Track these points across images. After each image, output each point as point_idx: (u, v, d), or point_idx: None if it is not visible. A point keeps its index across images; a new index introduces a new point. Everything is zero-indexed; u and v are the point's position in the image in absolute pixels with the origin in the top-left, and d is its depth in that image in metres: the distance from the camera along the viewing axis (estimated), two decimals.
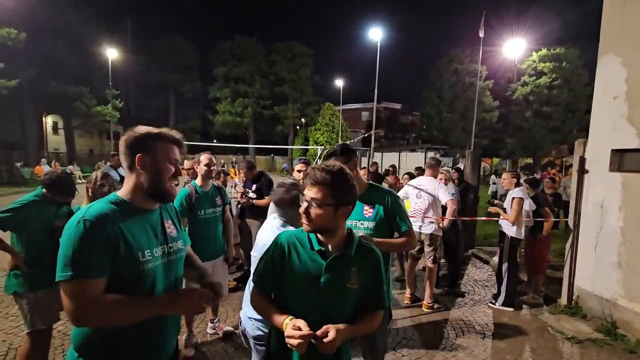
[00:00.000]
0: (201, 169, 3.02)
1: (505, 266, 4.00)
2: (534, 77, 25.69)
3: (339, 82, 33.34)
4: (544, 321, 3.73)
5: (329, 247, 1.27)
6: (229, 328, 3.29)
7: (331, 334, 1.11)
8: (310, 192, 1.22)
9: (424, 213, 3.96)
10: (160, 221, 1.30)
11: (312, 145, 28.73)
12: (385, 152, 16.09)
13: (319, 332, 1.12)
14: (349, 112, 39.25)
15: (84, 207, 1.14)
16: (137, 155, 1.18)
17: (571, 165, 16.41)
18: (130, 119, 31.25)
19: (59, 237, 2.35)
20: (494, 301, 4.09)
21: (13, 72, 15.57)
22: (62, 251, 1.06)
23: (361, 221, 2.03)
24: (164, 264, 1.24)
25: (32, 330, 2.18)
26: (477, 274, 5.29)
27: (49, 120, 27.25)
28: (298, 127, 35.45)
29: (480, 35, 17.13)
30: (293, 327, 1.12)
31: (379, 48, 15.42)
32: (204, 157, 3.05)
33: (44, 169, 16.44)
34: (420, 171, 7.05)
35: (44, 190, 2.31)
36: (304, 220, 1.24)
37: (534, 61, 25.79)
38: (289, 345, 1.12)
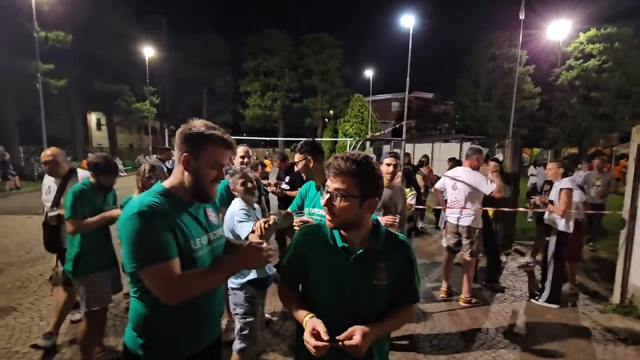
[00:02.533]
0: (237, 161, 3.10)
1: (551, 261, 3.79)
2: (581, 60, 23.78)
3: (369, 73, 32.74)
4: (593, 320, 3.51)
5: (354, 242, 1.19)
6: (267, 315, 3.37)
7: (356, 338, 1.04)
8: (334, 183, 1.13)
9: (463, 205, 3.82)
10: (203, 210, 1.34)
11: (341, 137, 28.55)
12: (418, 143, 15.64)
13: (342, 336, 1.05)
14: (379, 103, 38.54)
15: (134, 200, 1.19)
16: (183, 155, 1.20)
17: (621, 156, 15.10)
18: (166, 115, 32.62)
19: (109, 224, 2.53)
20: (537, 297, 3.90)
21: (62, 72, 16.69)
22: (131, 243, 1.11)
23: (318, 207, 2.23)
24: (209, 251, 1.29)
25: (88, 310, 2.35)
26: (517, 269, 5.05)
27: (92, 118, 29.07)
28: (327, 120, 35.37)
29: (520, 17, 16.11)
30: (311, 332, 1.06)
31: (411, 35, 14.89)
32: (240, 150, 3.14)
33: None
34: (453, 162, 6.82)
35: (90, 178, 2.47)
36: (327, 215, 1.17)
37: (582, 43, 23.85)
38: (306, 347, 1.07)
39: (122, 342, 1.28)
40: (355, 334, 1.05)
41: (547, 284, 3.82)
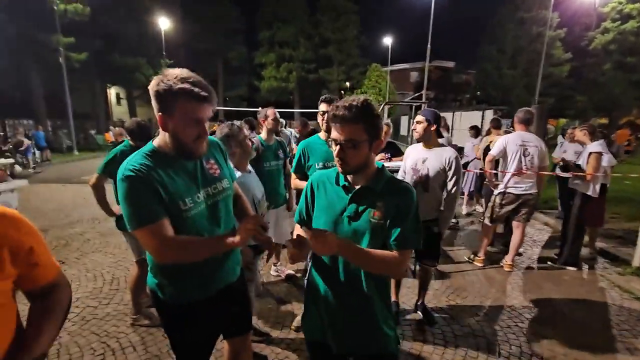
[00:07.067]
0: (269, 123, 3.15)
1: (572, 225, 3.80)
2: (619, 22, 22.07)
3: (387, 41, 31.62)
4: (611, 281, 3.56)
5: (357, 182, 1.26)
6: (291, 271, 3.59)
7: (326, 234, 1.08)
8: (342, 134, 1.16)
9: (536, 171, 3.64)
10: (200, 164, 1.32)
11: None
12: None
13: (312, 230, 1.13)
14: (397, 73, 37.32)
15: (123, 163, 1.20)
16: (158, 115, 1.16)
17: None
18: None
19: None
20: (556, 260, 3.96)
21: (82, 46, 16.88)
22: (122, 207, 1.17)
23: (331, 162, 2.29)
24: (208, 207, 1.30)
25: (140, 258, 2.59)
26: (535, 234, 5.08)
27: (112, 92, 29.55)
28: (342, 92, 34.69)
29: None
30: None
31: None
32: (270, 112, 3.17)
33: (112, 135, 18.21)
34: (475, 130, 6.69)
35: (130, 141, 2.63)
36: (338, 164, 1.21)
37: (620, 2, 22.04)
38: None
39: None
40: (327, 232, 1.10)
41: (567, 247, 3.85)
